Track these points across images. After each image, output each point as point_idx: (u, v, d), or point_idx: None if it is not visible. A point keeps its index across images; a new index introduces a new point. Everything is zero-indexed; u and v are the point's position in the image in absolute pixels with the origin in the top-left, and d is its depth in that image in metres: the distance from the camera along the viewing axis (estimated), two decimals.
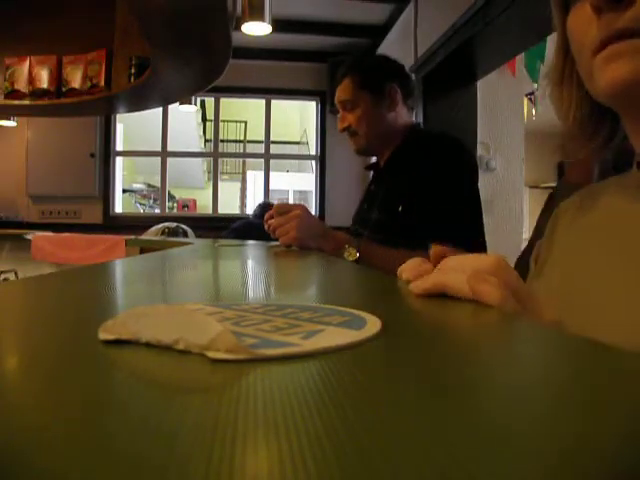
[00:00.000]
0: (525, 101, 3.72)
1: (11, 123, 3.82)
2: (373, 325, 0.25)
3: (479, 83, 3.09)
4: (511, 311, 0.32)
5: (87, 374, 0.18)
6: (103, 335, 0.22)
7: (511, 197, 3.12)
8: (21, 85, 2.49)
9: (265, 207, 3.60)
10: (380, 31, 4.03)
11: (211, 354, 0.19)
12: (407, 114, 1.46)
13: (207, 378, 0.17)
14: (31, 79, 2.48)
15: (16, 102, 2.51)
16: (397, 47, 3.71)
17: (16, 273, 2.59)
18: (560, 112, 0.55)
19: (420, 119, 3.06)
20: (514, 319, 0.31)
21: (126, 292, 0.46)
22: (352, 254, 1.20)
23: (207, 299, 0.38)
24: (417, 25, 3.29)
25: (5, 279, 2.53)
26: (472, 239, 1.27)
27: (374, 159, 1.55)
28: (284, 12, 3.66)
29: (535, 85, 3.76)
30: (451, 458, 0.11)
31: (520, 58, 3.10)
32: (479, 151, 3.07)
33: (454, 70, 2.96)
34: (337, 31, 4.14)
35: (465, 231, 1.27)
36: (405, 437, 0.12)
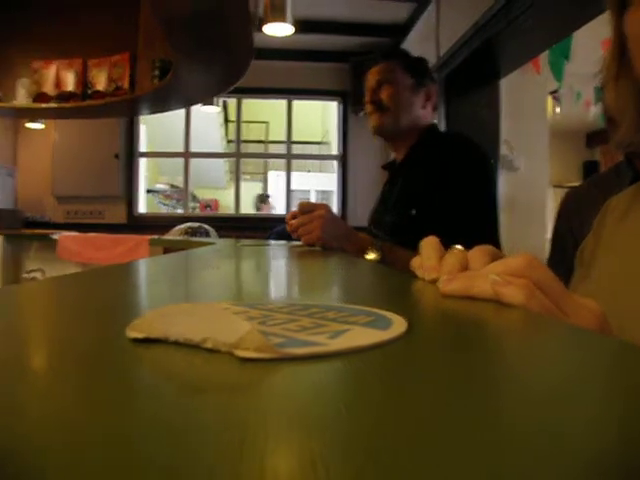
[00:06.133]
0: (549, 99, 3.67)
1: (39, 125, 3.90)
2: (399, 325, 0.25)
3: (502, 81, 3.05)
4: (540, 311, 0.32)
5: (117, 372, 0.18)
6: (132, 333, 0.22)
7: (535, 197, 3.08)
8: (48, 88, 2.55)
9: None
10: (402, 30, 4.02)
11: (240, 353, 0.19)
12: (432, 118, 1.49)
13: (236, 377, 0.17)
14: (57, 82, 2.53)
15: (43, 105, 2.57)
16: (419, 46, 3.69)
17: (43, 272, 2.64)
18: (616, 106, 0.54)
19: (443, 118, 3.04)
20: (540, 320, 0.30)
21: (151, 291, 0.46)
22: (375, 256, 1.19)
23: (231, 298, 0.38)
24: (439, 24, 3.27)
25: (33, 278, 2.58)
26: (485, 242, 1.26)
27: (391, 157, 1.55)
28: (305, 13, 3.66)
29: (558, 83, 3.70)
30: (479, 461, 0.11)
31: (544, 56, 3.05)
32: (502, 150, 3.03)
33: (477, 69, 2.93)
34: (358, 31, 4.13)
35: (479, 234, 1.25)
36: (433, 438, 0.12)
